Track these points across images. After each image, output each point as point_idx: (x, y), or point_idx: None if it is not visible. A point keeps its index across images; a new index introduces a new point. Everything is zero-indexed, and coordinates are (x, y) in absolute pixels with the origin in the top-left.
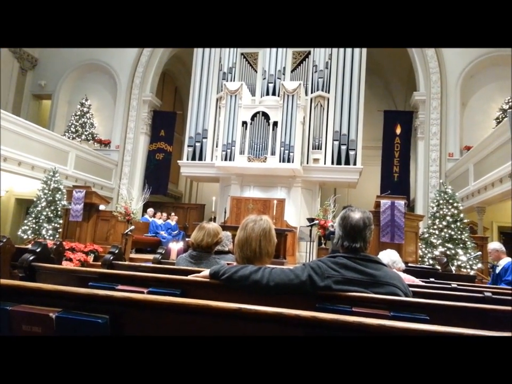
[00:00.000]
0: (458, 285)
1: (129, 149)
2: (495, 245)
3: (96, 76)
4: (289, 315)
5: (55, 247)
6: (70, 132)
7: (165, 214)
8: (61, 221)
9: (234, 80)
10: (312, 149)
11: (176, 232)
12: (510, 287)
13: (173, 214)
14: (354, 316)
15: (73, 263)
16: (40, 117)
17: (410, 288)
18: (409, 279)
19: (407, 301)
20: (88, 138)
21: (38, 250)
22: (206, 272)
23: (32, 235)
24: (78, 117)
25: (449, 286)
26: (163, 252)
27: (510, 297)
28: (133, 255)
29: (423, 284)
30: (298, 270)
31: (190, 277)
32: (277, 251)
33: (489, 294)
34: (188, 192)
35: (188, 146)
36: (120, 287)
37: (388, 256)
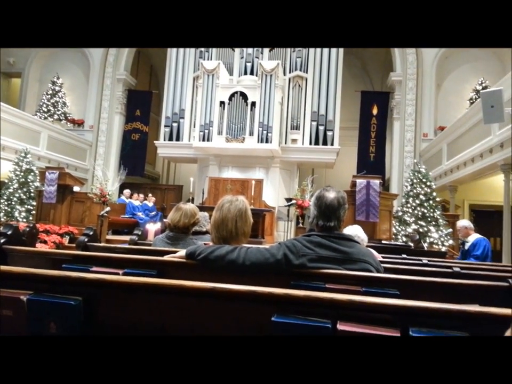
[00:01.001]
0: (429, 260)
1: (103, 129)
2: (463, 222)
3: (68, 54)
4: (263, 293)
5: (28, 229)
6: (41, 111)
7: (141, 195)
8: (34, 203)
9: (211, 59)
10: (290, 129)
11: (153, 213)
12: (478, 262)
13: (150, 195)
14: (328, 292)
15: (48, 245)
16: (9, 96)
17: (384, 265)
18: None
19: (378, 276)
20: (61, 118)
21: (9, 232)
22: (182, 252)
23: (5, 217)
24: (49, 96)
25: (421, 262)
26: (139, 233)
27: (476, 272)
28: (109, 237)
29: (382, 259)
30: (273, 249)
31: (166, 258)
32: (255, 231)
33: (458, 269)
34: (166, 173)
35: (165, 126)
36: (94, 268)
37: (352, 232)
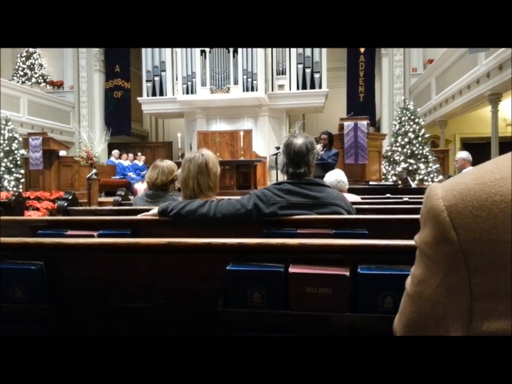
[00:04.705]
0: (410, 198)
1: (84, 89)
2: (463, 154)
3: None
4: (217, 244)
5: (14, 198)
6: (18, 75)
7: (131, 155)
8: (22, 171)
9: None
10: (276, 75)
11: (144, 172)
12: None
13: (139, 154)
14: (299, 238)
15: (41, 212)
16: None
17: (357, 206)
18: (353, 197)
19: (347, 218)
20: (39, 80)
21: None
22: (155, 210)
23: None
24: (24, 58)
25: (401, 200)
26: (123, 194)
27: None
28: (102, 199)
29: (362, 200)
30: (244, 200)
31: (139, 216)
32: (247, 182)
33: None
34: (154, 130)
35: (147, 81)
36: (69, 232)
37: (334, 177)
